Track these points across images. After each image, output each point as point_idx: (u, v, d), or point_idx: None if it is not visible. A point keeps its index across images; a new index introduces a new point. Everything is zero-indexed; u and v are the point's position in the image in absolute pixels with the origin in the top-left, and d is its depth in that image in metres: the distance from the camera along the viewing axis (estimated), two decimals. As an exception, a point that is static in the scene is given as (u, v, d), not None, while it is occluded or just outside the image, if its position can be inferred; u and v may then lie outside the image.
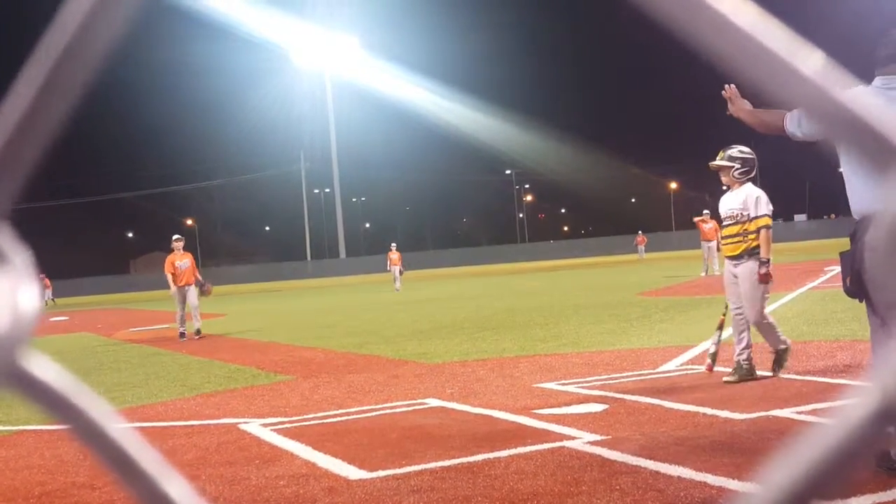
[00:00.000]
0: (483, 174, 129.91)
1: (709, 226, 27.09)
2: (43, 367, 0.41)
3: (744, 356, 7.58)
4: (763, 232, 7.58)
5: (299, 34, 74.38)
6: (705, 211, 27.82)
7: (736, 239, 7.71)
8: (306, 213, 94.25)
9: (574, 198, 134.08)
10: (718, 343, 7.83)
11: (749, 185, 7.80)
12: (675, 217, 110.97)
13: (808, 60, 0.39)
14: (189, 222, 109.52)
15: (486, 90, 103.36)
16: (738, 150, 7.78)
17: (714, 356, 7.79)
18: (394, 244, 35.61)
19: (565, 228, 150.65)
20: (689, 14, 0.39)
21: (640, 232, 56.89)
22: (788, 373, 7.65)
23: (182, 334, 16.20)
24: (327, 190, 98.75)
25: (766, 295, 7.66)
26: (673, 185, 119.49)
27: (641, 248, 53.24)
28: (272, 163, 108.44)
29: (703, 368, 8.20)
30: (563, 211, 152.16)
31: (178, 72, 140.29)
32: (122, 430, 0.45)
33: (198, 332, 16.24)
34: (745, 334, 7.63)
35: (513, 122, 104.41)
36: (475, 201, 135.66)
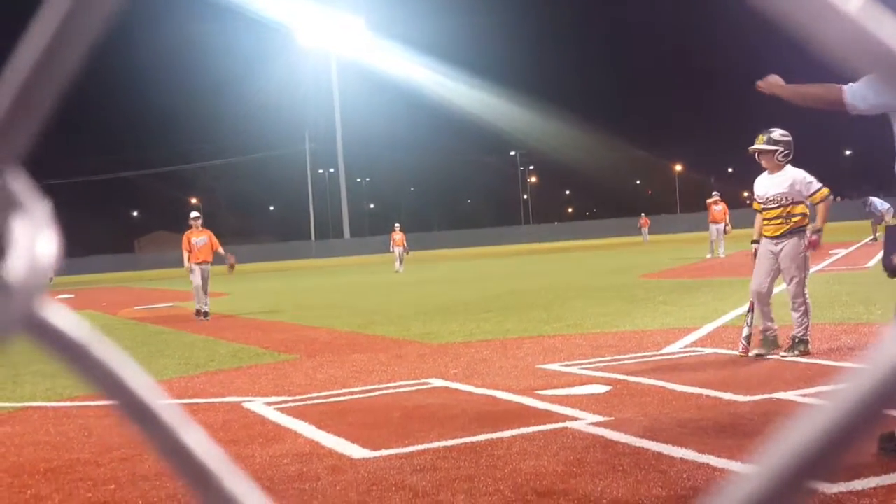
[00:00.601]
0: (487, 155, 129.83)
1: (718, 208, 26.96)
2: (60, 315, 0.41)
3: (771, 327, 7.79)
4: (824, 204, 7.76)
5: (305, 14, 74.11)
6: (715, 193, 27.65)
7: (778, 221, 7.81)
8: (311, 193, 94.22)
9: (578, 179, 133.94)
10: (751, 325, 7.92)
11: (790, 167, 7.88)
12: (680, 199, 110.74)
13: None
14: (194, 201, 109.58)
15: (491, 71, 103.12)
16: (779, 133, 7.84)
17: (749, 338, 7.88)
18: (397, 224, 34.44)
19: (569, 210, 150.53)
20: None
21: (643, 214, 56.74)
22: (793, 355, 7.65)
23: (198, 312, 15.93)
24: (332, 170, 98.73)
25: (808, 270, 7.83)
26: (678, 168, 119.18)
27: (645, 230, 53.17)
28: (277, 143, 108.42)
29: (708, 351, 8.23)
30: (567, 192, 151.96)
31: (184, 51, 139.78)
32: (139, 379, 0.45)
33: (200, 313, 15.92)
34: (769, 309, 7.80)
35: (518, 104, 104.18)
36: (479, 182, 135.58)
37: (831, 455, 0.39)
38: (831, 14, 0.38)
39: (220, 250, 16.17)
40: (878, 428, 0.39)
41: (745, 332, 7.90)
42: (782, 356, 7.60)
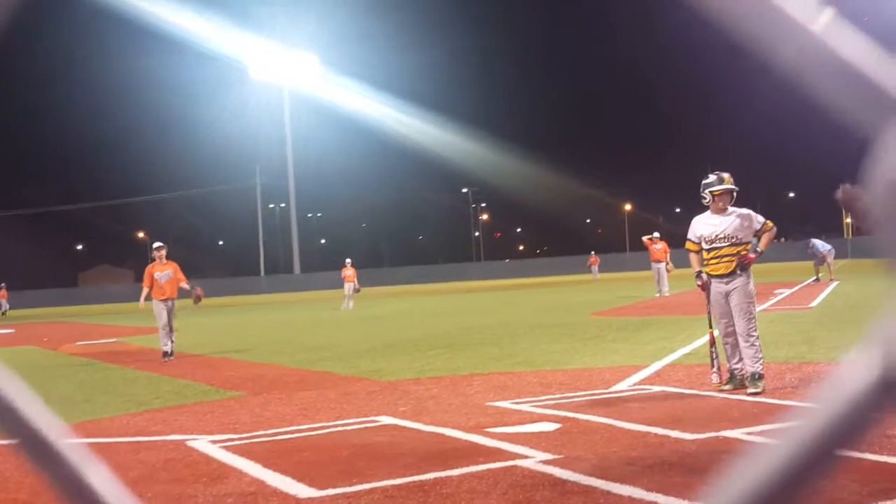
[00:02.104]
0: (440, 192, 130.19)
1: (658, 247, 27.27)
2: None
3: (738, 367, 7.94)
4: (770, 234, 8.12)
5: (258, 49, 74.07)
6: (655, 233, 27.96)
7: (728, 259, 8.02)
8: (261, 228, 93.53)
9: (530, 217, 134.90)
10: (717, 358, 8.16)
11: (733, 208, 8.19)
12: (630, 238, 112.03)
13: (818, 16, 0.38)
14: (140, 235, 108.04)
15: (444, 108, 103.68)
16: (729, 177, 8.17)
17: (719, 371, 8.12)
18: (348, 259, 32.86)
19: (521, 248, 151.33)
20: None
21: (592, 253, 57.24)
22: (738, 393, 7.73)
23: (165, 353, 14.35)
24: (283, 205, 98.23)
25: (755, 308, 8.05)
26: (627, 207, 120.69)
27: (595, 268, 53.60)
28: (228, 177, 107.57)
29: (656, 388, 8.31)
30: (518, 230, 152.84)
31: (134, 84, 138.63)
32: (42, 417, 0.42)
33: (166, 354, 14.35)
34: (737, 347, 7.95)
35: (471, 141, 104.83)
36: (431, 219, 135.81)
37: (785, 498, 0.38)
38: (797, 32, 0.38)
39: (186, 285, 14.80)
40: (833, 470, 0.38)
41: (715, 365, 8.13)
42: (750, 392, 7.69)
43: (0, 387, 0.43)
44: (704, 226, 8.20)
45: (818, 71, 0.38)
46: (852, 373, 0.37)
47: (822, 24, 0.38)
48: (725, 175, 8.16)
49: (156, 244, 15.00)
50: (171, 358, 14.34)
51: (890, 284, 0.38)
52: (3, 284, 51.23)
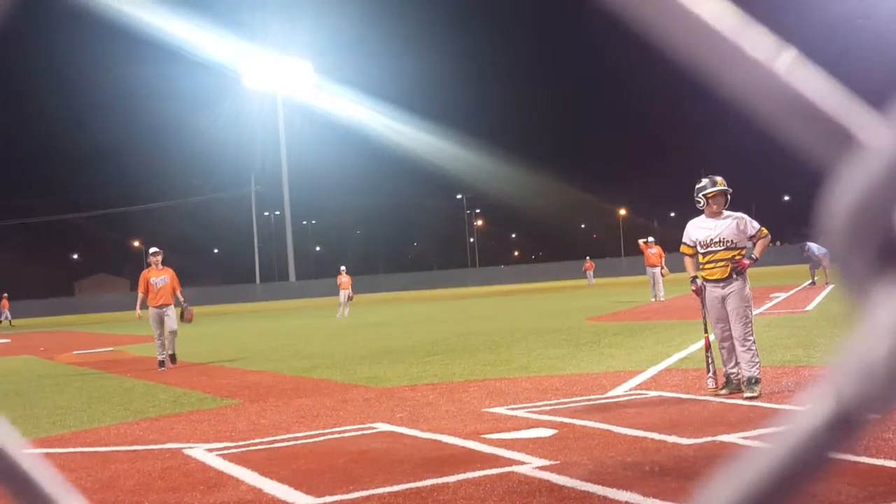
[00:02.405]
0: (434, 198, 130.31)
1: (653, 251, 27.30)
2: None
3: (734, 371, 7.95)
4: (764, 241, 8.13)
5: (253, 58, 74.11)
6: (650, 238, 27.98)
7: (723, 263, 8.02)
8: (256, 236, 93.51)
9: (524, 223, 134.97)
10: (713, 362, 8.14)
11: (728, 212, 8.18)
12: (624, 243, 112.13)
13: (781, 56, 0.40)
14: (136, 244, 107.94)
15: (439, 115, 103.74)
16: (722, 181, 8.18)
17: (714, 376, 8.10)
18: (343, 267, 32.74)
19: (515, 253, 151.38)
20: (666, 17, 0.39)
21: (587, 258, 57.28)
22: (735, 398, 7.74)
23: (161, 363, 14.33)
24: (277, 213, 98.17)
25: (751, 312, 8.04)
26: (622, 212, 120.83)
27: (590, 273, 53.64)
28: (222, 185, 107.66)
29: (652, 394, 8.32)
30: (513, 236, 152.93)
31: (129, 93, 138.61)
32: (16, 448, 0.42)
33: (172, 358, 14.42)
34: (734, 352, 7.95)
35: (465, 147, 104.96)
36: (426, 225, 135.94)
37: (783, 492, 0.38)
38: (761, 72, 0.39)
39: (180, 294, 14.68)
40: (824, 473, 0.39)
41: (711, 370, 8.12)
42: (746, 396, 7.70)
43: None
44: (699, 230, 8.21)
45: (777, 107, 0.39)
46: (809, 408, 0.38)
47: (784, 63, 0.40)
48: (718, 178, 8.18)
49: (152, 249, 14.78)
50: (165, 368, 14.26)
51: (850, 315, 0.39)
52: (4, 294, 51.35)
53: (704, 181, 8.18)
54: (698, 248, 8.19)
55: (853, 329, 0.40)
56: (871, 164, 0.38)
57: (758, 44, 0.40)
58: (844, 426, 0.38)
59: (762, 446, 0.40)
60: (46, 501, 0.47)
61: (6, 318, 49.48)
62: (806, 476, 0.38)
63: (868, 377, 0.37)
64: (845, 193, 0.38)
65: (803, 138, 0.40)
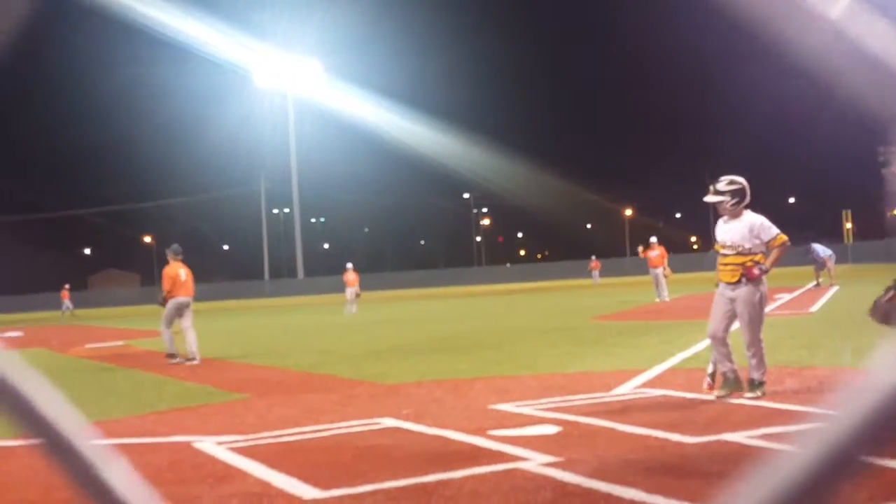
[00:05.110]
0: (441, 197, 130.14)
1: (655, 252, 27.29)
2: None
3: (728, 368, 7.84)
4: (781, 248, 7.81)
5: (262, 56, 74.16)
6: (653, 238, 27.95)
7: (733, 267, 7.88)
8: (265, 233, 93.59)
9: (531, 222, 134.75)
10: (715, 363, 8.01)
11: (748, 213, 7.95)
12: (630, 243, 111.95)
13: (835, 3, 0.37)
14: (147, 240, 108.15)
15: (446, 114, 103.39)
16: (725, 183, 7.96)
17: (713, 375, 7.98)
18: (349, 264, 32.49)
19: (522, 252, 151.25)
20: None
21: (593, 257, 57.22)
22: (738, 397, 7.78)
23: (171, 355, 14.50)
24: (286, 210, 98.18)
25: (762, 318, 7.92)
26: (628, 212, 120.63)
27: (595, 273, 53.60)
28: (232, 182, 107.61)
29: (657, 392, 8.36)
30: (519, 235, 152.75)
31: (140, 91, 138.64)
32: (63, 415, 0.45)
33: (172, 355, 14.50)
34: (724, 350, 7.86)
35: (472, 147, 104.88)
36: (433, 224, 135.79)
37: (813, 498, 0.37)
38: (813, 19, 0.37)
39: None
40: (856, 476, 0.38)
41: (710, 369, 8.03)
42: (747, 397, 7.69)
43: (17, 383, 0.47)
44: (719, 230, 8.12)
45: (840, 62, 0.36)
46: (879, 377, 0.36)
47: (840, 9, 0.37)
48: (715, 184, 7.98)
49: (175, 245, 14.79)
50: (179, 361, 14.30)
51: None
52: (66, 286, 52.76)
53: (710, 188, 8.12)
54: (720, 247, 8.13)
55: None
56: None
57: None
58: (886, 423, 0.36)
59: (802, 444, 0.39)
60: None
61: (67, 308, 50.60)
62: (845, 476, 0.37)
63: None
64: None
65: (865, 93, 0.36)
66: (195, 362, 14.14)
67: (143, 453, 6.78)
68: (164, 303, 14.63)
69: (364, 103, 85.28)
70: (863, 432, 0.37)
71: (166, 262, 14.77)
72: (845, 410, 0.37)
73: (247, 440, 7.04)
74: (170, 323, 14.64)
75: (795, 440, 0.39)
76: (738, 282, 7.83)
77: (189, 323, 14.51)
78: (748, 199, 7.98)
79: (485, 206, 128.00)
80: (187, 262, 14.96)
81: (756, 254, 7.86)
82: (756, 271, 7.77)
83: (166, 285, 14.48)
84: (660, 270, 26.86)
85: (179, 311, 14.55)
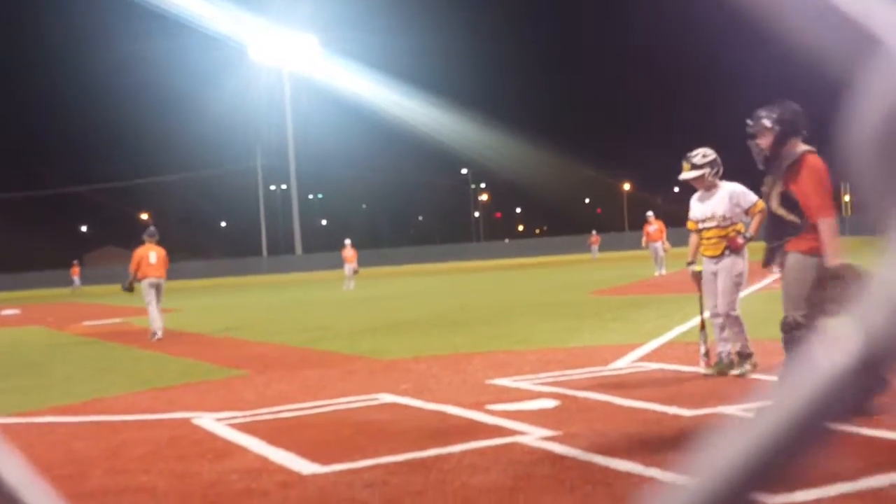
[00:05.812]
0: (439, 173, 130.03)
1: (654, 227, 27.28)
2: None
3: (725, 350, 7.78)
4: (760, 215, 7.57)
5: (258, 31, 73.77)
6: (650, 213, 27.94)
7: (716, 240, 7.83)
8: (262, 210, 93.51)
9: (529, 198, 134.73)
10: (707, 342, 7.92)
11: (724, 183, 7.85)
12: (628, 218, 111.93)
13: None
14: (144, 217, 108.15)
15: (444, 89, 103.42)
16: (700, 156, 7.80)
17: (707, 354, 7.89)
18: (347, 240, 32.61)
19: (520, 228, 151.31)
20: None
21: (593, 232, 57.20)
22: (743, 370, 7.78)
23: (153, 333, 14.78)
24: (284, 186, 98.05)
25: (740, 289, 7.83)
26: (626, 187, 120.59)
27: (595, 247, 53.62)
28: (229, 159, 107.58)
29: (654, 366, 8.38)
30: (518, 210, 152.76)
31: (135, 67, 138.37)
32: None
33: (154, 333, 14.80)
34: (725, 330, 7.79)
35: (470, 122, 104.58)
36: (431, 200, 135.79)
37: (772, 467, 0.38)
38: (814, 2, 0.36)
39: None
40: (822, 442, 0.38)
41: (703, 349, 7.91)
42: (739, 372, 7.64)
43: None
44: (695, 205, 7.99)
45: (800, 12, 0.36)
46: (832, 349, 0.36)
47: None
48: (686, 161, 7.82)
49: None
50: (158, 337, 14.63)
51: (880, 249, 0.35)
52: (75, 262, 53.71)
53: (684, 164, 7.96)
54: (698, 224, 8.05)
55: (879, 260, 0.37)
56: None
57: None
58: (873, 364, 0.35)
59: (789, 384, 0.38)
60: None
61: (77, 284, 51.41)
62: (833, 418, 0.37)
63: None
64: (871, 104, 0.35)
65: (821, 45, 0.36)
66: (158, 336, 14.62)
67: (143, 430, 6.80)
68: (129, 287, 15.17)
69: (361, 79, 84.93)
70: (823, 400, 0.37)
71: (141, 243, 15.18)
72: (805, 378, 0.37)
73: (245, 416, 7.06)
74: (150, 302, 14.90)
75: (756, 410, 0.39)
76: (722, 254, 7.78)
77: (156, 302, 14.92)
78: (721, 168, 7.88)
79: (483, 181, 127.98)
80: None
81: (736, 223, 7.80)
82: (740, 240, 7.70)
83: (132, 266, 14.94)
84: (658, 245, 26.89)
85: (150, 290, 14.92)
